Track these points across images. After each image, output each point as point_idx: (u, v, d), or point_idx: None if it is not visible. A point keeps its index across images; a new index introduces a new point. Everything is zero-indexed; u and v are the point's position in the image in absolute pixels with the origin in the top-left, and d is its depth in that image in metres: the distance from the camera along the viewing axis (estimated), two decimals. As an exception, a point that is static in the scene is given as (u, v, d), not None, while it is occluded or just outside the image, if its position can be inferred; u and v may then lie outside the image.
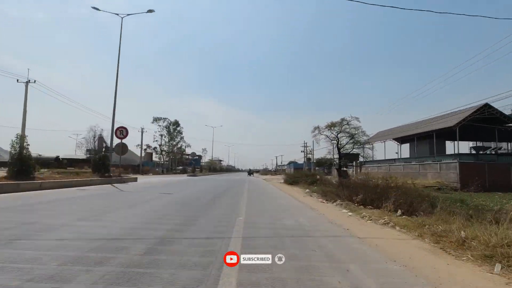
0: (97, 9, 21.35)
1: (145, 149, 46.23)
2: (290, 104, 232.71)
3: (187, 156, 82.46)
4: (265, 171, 74.12)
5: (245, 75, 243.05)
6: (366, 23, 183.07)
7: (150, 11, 21.72)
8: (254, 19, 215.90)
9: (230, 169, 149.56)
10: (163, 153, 48.16)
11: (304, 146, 52.15)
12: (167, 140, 49.11)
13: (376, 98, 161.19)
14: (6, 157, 34.97)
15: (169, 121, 49.25)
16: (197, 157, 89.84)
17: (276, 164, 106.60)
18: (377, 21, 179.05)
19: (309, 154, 51.51)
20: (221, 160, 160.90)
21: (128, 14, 21.93)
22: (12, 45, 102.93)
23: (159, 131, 46.24)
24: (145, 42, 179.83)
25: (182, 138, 53.64)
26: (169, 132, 49.67)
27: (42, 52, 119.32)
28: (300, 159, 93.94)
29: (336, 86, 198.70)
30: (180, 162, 75.52)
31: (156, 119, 47.44)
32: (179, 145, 53.31)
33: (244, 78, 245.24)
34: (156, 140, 46.16)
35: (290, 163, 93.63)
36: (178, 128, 51.49)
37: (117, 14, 21.58)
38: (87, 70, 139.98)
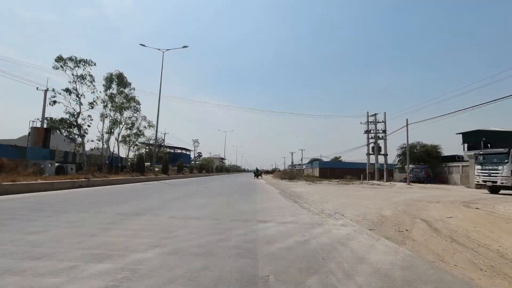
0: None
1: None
2: (298, 105, 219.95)
3: (170, 150, 58.38)
4: (286, 174, 48.64)
5: (252, 75, 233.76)
6: (374, 21, 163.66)
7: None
8: (260, 20, 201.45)
9: (234, 169, 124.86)
10: (74, 131, 23.04)
11: (369, 122, 26.47)
12: (100, 101, 24.56)
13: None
14: None
15: (108, 74, 25.10)
16: (185, 152, 65.91)
17: (292, 162, 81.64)
18: (384, 18, 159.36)
19: (380, 134, 26.18)
20: (223, 158, 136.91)
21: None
22: (21, 45, 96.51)
23: (71, 86, 21.84)
24: (153, 44, 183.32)
25: (138, 110, 29.27)
26: (110, 96, 25.53)
27: (52, 52, 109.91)
28: (327, 157, 68.89)
29: (347, 86, 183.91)
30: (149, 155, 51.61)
31: (61, 61, 22.61)
32: (131, 121, 28.78)
33: (251, 78, 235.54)
34: (55, 102, 20.84)
35: (313, 161, 68.82)
36: (127, 91, 27.33)
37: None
38: (97, 70, 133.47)
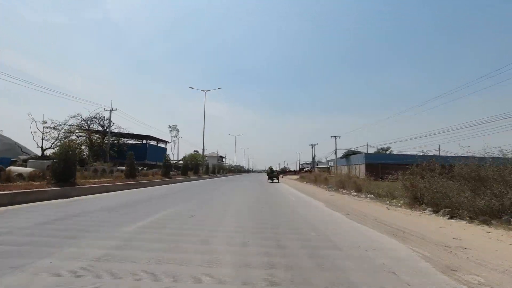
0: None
1: None
2: (297, 105, 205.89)
3: (126, 140, 36.11)
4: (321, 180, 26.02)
5: (253, 76, 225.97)
6: (372, 22, 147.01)
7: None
8: (261, 21, 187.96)
9: (237, 170, 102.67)
10: None
11: None
12: None
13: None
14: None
15: None
16: (156, 143, 43.70)
17: (313, 158, 59.10)
18: (383, 19, 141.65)
19: None
20: (222, 157, 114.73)
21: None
22: (29, 49, 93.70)
23: None
24: (156, 44, 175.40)
25: None
26: None
27: (59, 56, 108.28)
28: (375, 146, 46.54)
29: (347, 87, 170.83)
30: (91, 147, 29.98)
31: None
32: None
33: (252, 79, 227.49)
34: None
35: (350, 154, 46.24)
36: None
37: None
38: (103, 72, 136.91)
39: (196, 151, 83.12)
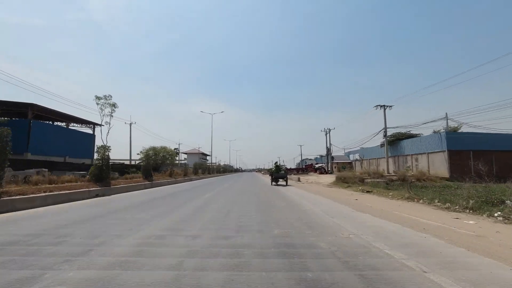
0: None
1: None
2: (290, 104, 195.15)
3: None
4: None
5: (243, 74, 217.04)
6: (362, 19, 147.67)
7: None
8: (250, 19, 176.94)
9: (211, 170, 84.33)
10: None
11: None
12: None
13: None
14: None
15: None
16: (70, 125, 24.82)
17: (329, 150, 41.68)
18: (373, 16, 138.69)
19: None
20: (206, 155, 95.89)
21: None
22: (11, 51, 64.86)
23: None
24: (142, 44, 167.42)
25: None
26: None
27: (41, 57, 79.38)
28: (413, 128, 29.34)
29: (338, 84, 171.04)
30: None
31: None
32: None
33: (243, 77, 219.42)
34: None
35: (398, 139, 28.43)
36: None
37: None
38: (86, 73, 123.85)
39: (176, 149, 62.74)
